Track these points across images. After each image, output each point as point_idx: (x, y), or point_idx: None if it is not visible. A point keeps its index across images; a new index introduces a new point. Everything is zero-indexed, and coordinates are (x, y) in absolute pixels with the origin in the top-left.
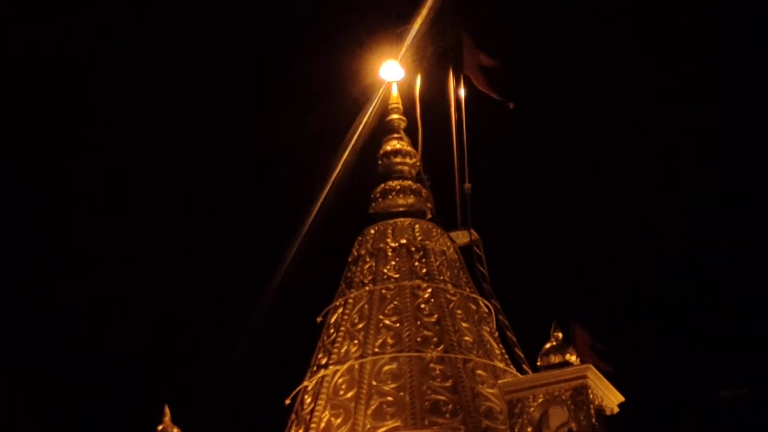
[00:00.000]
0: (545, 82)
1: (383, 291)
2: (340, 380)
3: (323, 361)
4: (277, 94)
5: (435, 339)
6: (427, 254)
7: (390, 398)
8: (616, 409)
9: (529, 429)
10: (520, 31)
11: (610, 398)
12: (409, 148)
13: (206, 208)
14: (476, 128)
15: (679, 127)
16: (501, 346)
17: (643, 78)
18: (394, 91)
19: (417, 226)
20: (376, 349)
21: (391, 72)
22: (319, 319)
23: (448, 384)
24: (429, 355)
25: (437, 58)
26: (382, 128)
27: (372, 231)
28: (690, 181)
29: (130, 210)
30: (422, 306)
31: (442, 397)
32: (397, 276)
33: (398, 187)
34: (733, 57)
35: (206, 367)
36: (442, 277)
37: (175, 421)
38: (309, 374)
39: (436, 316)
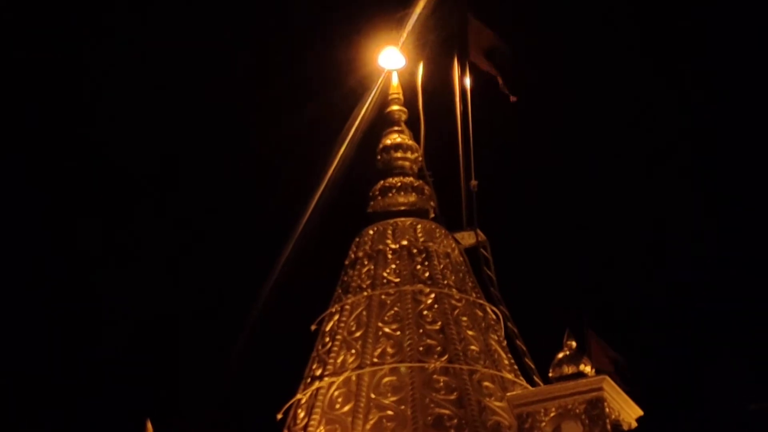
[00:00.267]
0: (548, 78)
1: (383, 296)
2: (336, 393)
3: (318, 373)
4: (269, 85)
5: (439, 348)
6: (430, 257)
7: (390, 412)
8: (634, 424)
9: None
10: (521, 30)
11: (628, 412)
12: (411, 142)
13: (200, 207)
14: (483, 120)
15: (682, 126)
16: (510, 355)
17: (644, 76)
18: (395, 81)
19: (419, 226)
20: (375, 360)
21: (391, 60)
22: (313, 327)
23: (452, 397)
24: (432, 365)
25: (440, 44)
26: (381, 120)
27: (371, 231)
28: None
29: (129, 210)
30: (425, 313)
31: (447, 411)
32: (397, 280)
33: (399, 184)
34: (733, 57)
35: (197, 377)
36: (446, 282)
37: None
38: (302, 386)
39: (439, 323)
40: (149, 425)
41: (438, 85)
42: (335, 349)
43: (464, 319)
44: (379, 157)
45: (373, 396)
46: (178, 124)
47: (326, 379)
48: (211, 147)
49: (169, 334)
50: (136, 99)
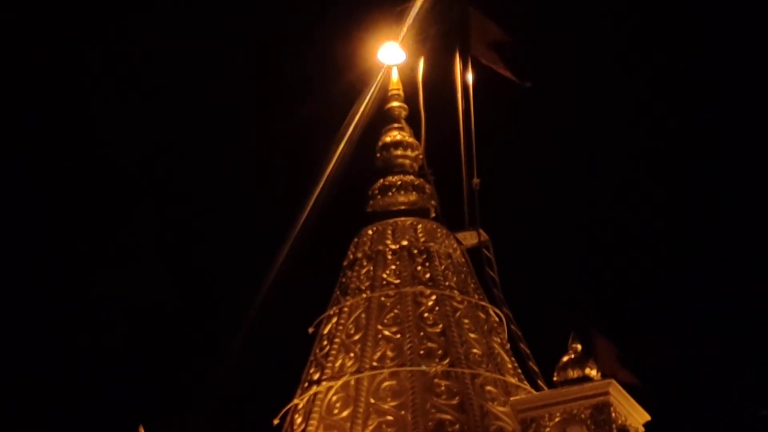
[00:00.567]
0: (551, 74)
1: (382, 298)
2: (335, 398)
3: (315, 377)
4: (266, 82)
5: (440, 352)
6: (431, 257)
7: (390, 417)
8: (642, 429)
9: None
10: (522, 27)
11: (635, 417)
12: (411, 140)
13: (196, 207)
14: (485, 116)
15: (683, 126)
16: (513, 359)
17: (644, 74)
18: (395, 76)
19: (420, 226)
20: (375, 363)
21: (391, 55)
22: (311, 330)
23: (454, 402)
24: (433, 369)
25: (441, 39)
26: (381, 117)
27: (370, 232)
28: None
29: (128, 209)
30: (426, 315)
31: (448, 416)
32: (397, 282)
33: (399, 182)
34: (734, 57)
35: (197, 377)
36: (447, 283)
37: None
38: (300, 391)
39: (441, 326)
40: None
41: (439, 81)
42: (333, 352)
43: (466, 321)
44: (378, 154)
45: (372, 401)
46: (174, 121)
47: (324, 383)
48: (208, 145)
49: (168, 333)
50: (134, 97)
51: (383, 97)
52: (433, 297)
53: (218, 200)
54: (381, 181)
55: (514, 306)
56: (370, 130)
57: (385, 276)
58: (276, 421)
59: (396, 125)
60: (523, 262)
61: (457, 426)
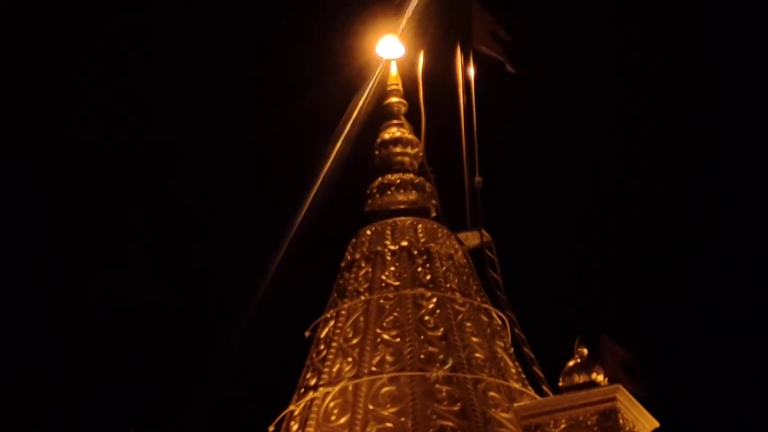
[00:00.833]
0: (554, 69)
1: (381, 301)
2: (332, 404)
3: (312, 382)
4: (262, 77)
5: (441, 356)
6: (432, 258)
7: (389, 424)
8: None
9: None
10: (522, 26)
11: (643, 423)
12: (411, 136)
13: (191, 206)
14: (488, 112)
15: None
16: (517, 363)
17: (646, 70)
18: (393, 71)
19: (420, 226)
20: (373, 368)
21: (390, 49)
22: (307, 334)
23: (456, 408)
24: (434, 374)
25: (442, 32)
26: (379, 113)
27: (368, 232)
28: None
29: (127, 210)
30: (426, 318)
31: (450, 423)
32: (397, 284)
33: (398, 181)
34: (736, 56)
35: (195, 378)
36: (448, 285)
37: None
38: (296, 397)
39: (442, 329)
40: None
41: (439, 75)
42: (331, 357)
43: (468, 324)
44: (377, 152)
45: (371, 407)
46: (170, 119)
47: (321, 389)
48: (203, 143)
49: (166, 334)
50: (128, 94)
51: (382, 93)
52: (434, 299)
53: (213, 200)
54: (380, 179)
55: (518, 308)
56: (369, 126)
57: (384, 278)
58: (271, 429)
59: (395, 121)
60: (526, 263)
61: None
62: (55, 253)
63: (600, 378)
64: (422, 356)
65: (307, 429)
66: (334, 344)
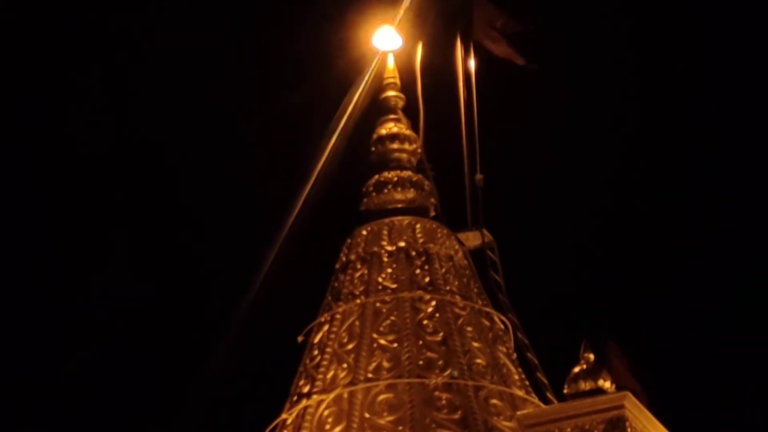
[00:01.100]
0: (558, 63)
1: (378, 304)
2: (326, 412)
3: (305, 389)
4: (251, 69)
5: (440, 362)
6: (431, 260)
7: None
8: None
9: None
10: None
11: None
12: (409, 132)
13: (178, 205)
14: (490, 107)
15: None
16: (520, 370)
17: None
18: (390, 63)
19: (418, 225)
20: (370, 375)
21: (387, 40)
22: (300, 339)
23: (456, 416)
24: (433, 381)
25: (442, 22)
26: (375, 108)
27: (364, 232)
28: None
29: (119, 209)
30: (425, 322)
31: None
32: (394, 286)
33: (395, 178)
34: (737, 56)
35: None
36: (448, 288)
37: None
38: (288, 405)
39: (441, 334)
40: None
41: (439, 68)
42: (325, 363)
43: (469, 329)
44: (373, 148)
45: (367, 415)
46: (155, 114)
47: (315, 396)
48: (190, 138)
49: (161, 335)
50: (113, 88)
51: (378, 86)
52: (433, 303)
53: (202, 198)
54: (376, 177)
55: (521, 312)
56: (364, 121)
57: (380, 280)
58: None
59: (392, 116)
60: (530, 265)
61: None
62: (55, 253)
63: (607, 385)
64: (421, 362)
65: None
66: (328, 350)
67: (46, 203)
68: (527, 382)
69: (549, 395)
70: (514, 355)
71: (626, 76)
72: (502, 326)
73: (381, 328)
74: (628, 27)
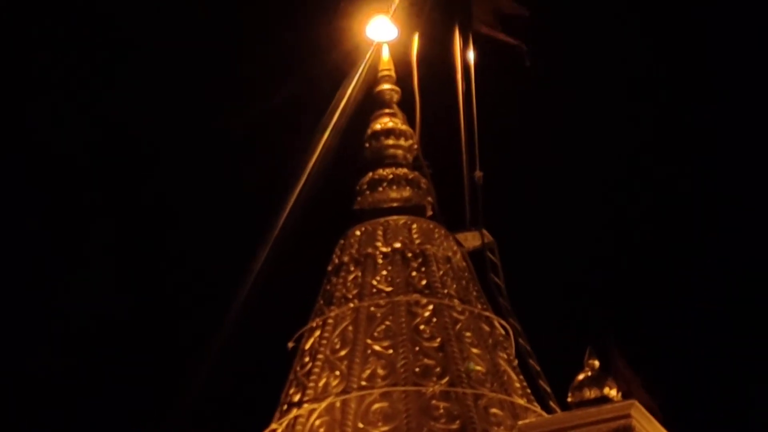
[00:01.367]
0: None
1: (372, 308)
2: (318, 422)
3: (296, 398)
4: (240, 61)
5: (438, 369)
6: (428, 261)
7: None
8: None
9: None
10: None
11: None
12: (405, 127)
13: (163, 205)
14: (489, 101)
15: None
16: (522, 377)
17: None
18: (385, 55)
19: (414, 225)
20: (363, 383)
21: (381, 30)
22: (290, 345)
23: (454, 426)
24: (430, 389)
25: (439, 12)
26: (370, 102)
27: (357, 232)
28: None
29: (115, 211)
30: (421, 327)
31: None
32: (389, 289)
33: (391, 176)
34: (735, 57)
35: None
36: (446, 291)
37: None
38: (278, 414)
39: (438, 340)
40: None
41: (436, 60)
42: (316, 370)
43: (468, 334)
44: (367, 144)
45: (360, 425)
46: (138, 108)
47: (306, 405)
48: (176, 135)
49: (168, 333)
50: (91, 79)
51: (372, 79)
52: (430, 307)
53: (189, 198)
54: (370, 174)
55: (522, 317)
56: (358, 116)
57: (375, 283)
58: None
59: (387, 110)
60: (532, 267)
61: None
62: (54, 252)
63: (613, 393)
64: (417, 369)
65: None
66: (320, 356)
67: (45, 203)
68: (529, 390)
69: (552, 404)
70: (516, 362)
71: (628, 75)
72: (502, 331)
73: (375, 334)
74: (629, 24)
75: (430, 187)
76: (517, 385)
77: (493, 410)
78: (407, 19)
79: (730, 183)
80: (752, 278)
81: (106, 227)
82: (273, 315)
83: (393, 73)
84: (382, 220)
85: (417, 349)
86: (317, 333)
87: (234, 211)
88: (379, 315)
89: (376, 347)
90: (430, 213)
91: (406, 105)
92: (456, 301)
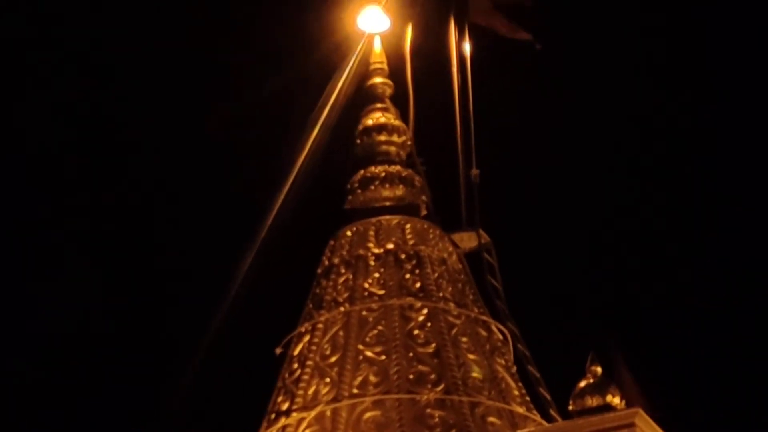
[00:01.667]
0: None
1: (364, 312)
2: (308, 431)
3: (284, 407)
4: (227, 54)
5: (433, 376)
6: (422, 263)
7: None
8: None
9: None
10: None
11: None
12: (398, 122)
13: (146, 204)
14: (486, 96)
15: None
16: (520, 384)
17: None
18: (377, 47)
19: (408, 226)
20: (355, 390)
21: (373, 21)
22: (278, 351)
23: None
24: (425, 397)
25: (434, 1)
26: (361, 96)
27: (348, 233)
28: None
29: (101, 213)
30: (416, 332)
31: None
32: (381, 292)
33: (383, 174)
34: (735, 57)
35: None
36: (441, 294)
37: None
38: (266, 423)
39: (433, 345)
40: None
41: (431, 52)
42: (306, 377)
43: (464, 339)
44: (358, 140)
45: None
46: (122, 101)
47: (294, 414)
48: (160, 131)
49: (168, 334)
50: (71, 70)
51: (364, 72)
52: (425, 311)
53: (174, 198)
54: (362, 172)
55: (521, 321)
56: (349, 111)
57: (366, 286)
58: None
59: (379, 105)
60: (530, 269)
61: None
62: (53, 251)
63: (616, 401)
64: (411, 376)
65: None
66: (309, 363)
67: (45, 204)
68: (528, 398)
69: (552, 412)
70: (514, 368)
71: (628, 73)
72: (500, 336)
73: (367, 339)
74: (629, 21)
75: (425, 186)
76: (516, 392)
77: (491, 419)
78: (400, 9)
79: (730, 183)
80: (752, 278)
81: (92, 229)
82: (260, 319)
83: (385, 66)
84: (374, 219)
85: (411, 355)
86: (306, 338)
87: (220, 210)
88: (371, 319)
89: (368, 353)
90: (424, 212)
91: (399, 99)
92: (452, 305)
